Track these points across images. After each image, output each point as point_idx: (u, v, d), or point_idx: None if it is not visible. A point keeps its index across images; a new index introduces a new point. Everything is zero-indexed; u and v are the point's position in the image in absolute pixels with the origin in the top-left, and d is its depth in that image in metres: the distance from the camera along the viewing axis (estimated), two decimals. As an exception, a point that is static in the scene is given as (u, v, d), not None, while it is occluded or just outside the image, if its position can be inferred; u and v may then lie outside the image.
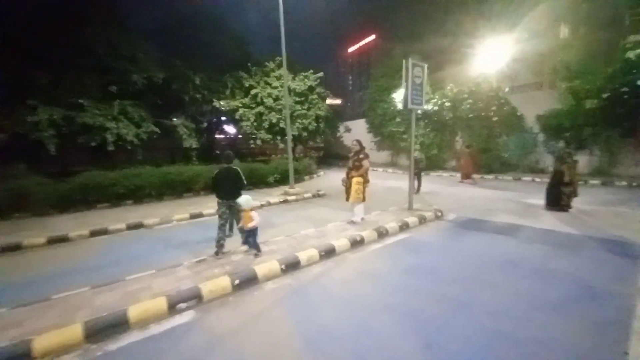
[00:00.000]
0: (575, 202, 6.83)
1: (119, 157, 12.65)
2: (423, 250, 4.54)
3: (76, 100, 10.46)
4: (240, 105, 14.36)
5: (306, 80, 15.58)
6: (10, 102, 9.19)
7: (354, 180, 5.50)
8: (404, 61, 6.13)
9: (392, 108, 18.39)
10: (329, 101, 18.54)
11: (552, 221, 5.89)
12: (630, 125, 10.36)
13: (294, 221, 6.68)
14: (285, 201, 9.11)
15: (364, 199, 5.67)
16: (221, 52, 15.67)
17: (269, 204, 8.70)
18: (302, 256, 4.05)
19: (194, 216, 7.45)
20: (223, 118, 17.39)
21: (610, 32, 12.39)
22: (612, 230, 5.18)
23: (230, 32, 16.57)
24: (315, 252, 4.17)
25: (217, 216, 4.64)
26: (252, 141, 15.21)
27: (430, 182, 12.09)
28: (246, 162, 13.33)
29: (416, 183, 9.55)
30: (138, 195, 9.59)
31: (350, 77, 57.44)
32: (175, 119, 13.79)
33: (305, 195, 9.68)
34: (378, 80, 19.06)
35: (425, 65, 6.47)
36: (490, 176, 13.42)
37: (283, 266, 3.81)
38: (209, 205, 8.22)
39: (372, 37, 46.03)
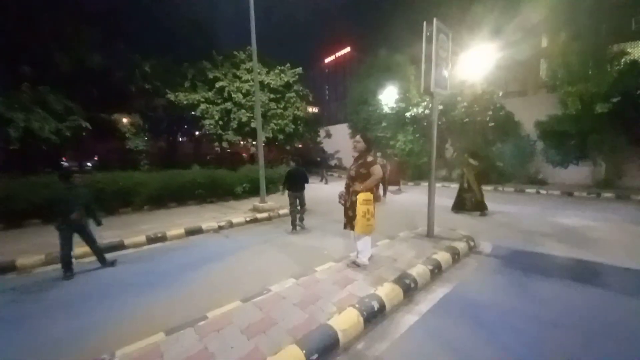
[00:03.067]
0: None
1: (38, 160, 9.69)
2: (494, 327, 2.54)
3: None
4: (202, 99, 11.84)
5: (282, 75, 13.53)
6: None
7: (360, 197, 3.43)
8: (424, 24, 4.28)
9: (377, 111, 16.79)
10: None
11: (616, 251, 4.22)
12: (639, 131, 9.38)
13: (262, 256, 4.45)
14: (254, 220, 6.84)
15: (371, 229, 3.62)
16: (181, 39, 13.13)
17: (230, 225, 6.36)
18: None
19: (155, 239, 4.91)
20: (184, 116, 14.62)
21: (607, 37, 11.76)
22: None
23: (192, 18, 14.11)
24: (301, 355, 2.00)
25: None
26: (217, 143, 12.68)
27: (420, 194, 10.35)
28: (208, 168, 10.87)
29: (382, 189, 8.17)
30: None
31: (327, 87, 56.69)
32: (117, 115, 10.97)
33: (281, 212, 7.46)
34: (362, 81, 17.44)
35: (450, 34, 4.66)
36: (489, 187, 12.05)
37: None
38: (167, 220, 5.78)
39: (348, 49, 45.77)
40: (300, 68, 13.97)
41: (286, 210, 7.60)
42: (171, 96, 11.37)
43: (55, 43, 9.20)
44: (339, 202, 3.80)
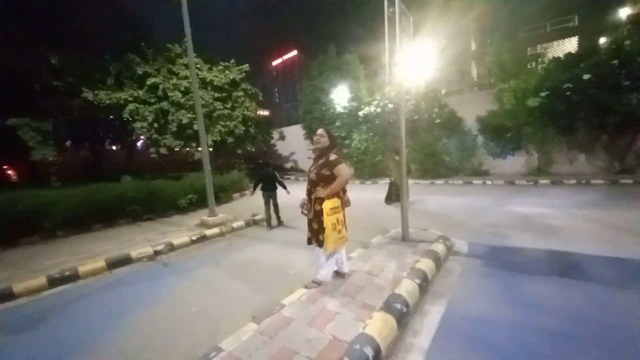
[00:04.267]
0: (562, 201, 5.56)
1: None
2: (507, 349, 2.07)
3: None
4: (129, 98, 10.04)
5: (227, 72, 12.31)
6: None
7: (326, 206, 2.75)
8: (385, 4, 3.82)
9: (331, 111, 16.50)
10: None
11: (581, 238, 4.29)
12: (566, 123, 10.48)
13: (212, 287, 3.52)
14: (202, 238, 5.74)
15: (344, 241, 3.00)
16: (101, 28, 11.06)
17: (171, 248, 5.20)
18: None
19: (61, 280, 3.52)
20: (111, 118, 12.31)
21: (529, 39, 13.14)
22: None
23: (117, 7, 12.07)
24: None
25: None
26: (153, 149, 10.90)
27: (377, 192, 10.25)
28: (143, 179, 9.23)
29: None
30: None
31: (277, 90, 55.71)
32: (14, 119, 8.61)
33: (235, 225, 6.46)
34: (314, 80, 16.99)
35: (411, 19, 4.29)
36: (440, 181, 12.50)
37: None
38: (82, 250, 4.36)
39: (294, 52, 45.75)
40: (247, 65, 12.91)
41: (241, 223, 6.65)
42: (89, 95, 9.35)
43: None
44: (301, 212, 3.11)
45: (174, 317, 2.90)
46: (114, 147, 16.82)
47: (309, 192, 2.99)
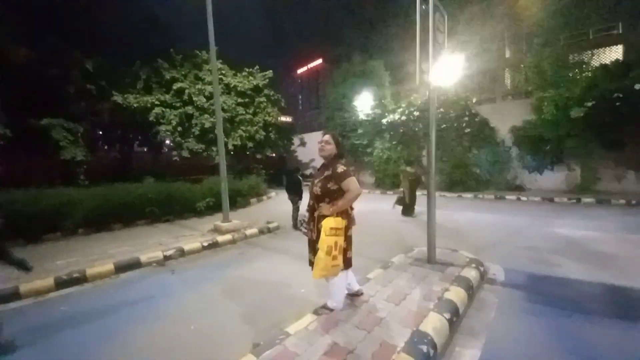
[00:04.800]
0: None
1: None
2: None
3: None
4: (156, 102, 10.33)
5: (251, 78, 12.42)
6: None
7: (326, 224, 2.33)
8: (417, 3, 3.47)
9: (353, 118, 16.17)
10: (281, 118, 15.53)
11: (636, 270, 3.59)
12: (614, 136, 9.43)
13: (212, 304, 3.24)
14: (214, 244, 5.55)
15: (348, 265, 2.59)
16: (134, 35, 11.56)
17: (181, 253, 5.05)
18: None
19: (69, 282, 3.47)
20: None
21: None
22: None
23: (147, 13, 12.62)
24: None
25: None
26: (175, 152, 11.12)
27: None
28: (165, 180, 9.34)
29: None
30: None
31: (301, 97, 56.37)
32: (47, 120, 9.07)
33: (248, 232, 6.24)
34: (337, 87, 16.78)
35: (446, 16, 3.90)
36: (469, 194, 11.68)
37: None
38: (94, 252, 4.56)
39: (319, 60, 46.00)
40: (271, 72, 12.96)
41: (255, 230, 6.42)
42: (118, 98, 9.74)
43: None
44: (302, 231, 2.75)
45: (170, 336, 2.64)
46: (144, 149, 17.49)
47: (312, 209, 2.59)
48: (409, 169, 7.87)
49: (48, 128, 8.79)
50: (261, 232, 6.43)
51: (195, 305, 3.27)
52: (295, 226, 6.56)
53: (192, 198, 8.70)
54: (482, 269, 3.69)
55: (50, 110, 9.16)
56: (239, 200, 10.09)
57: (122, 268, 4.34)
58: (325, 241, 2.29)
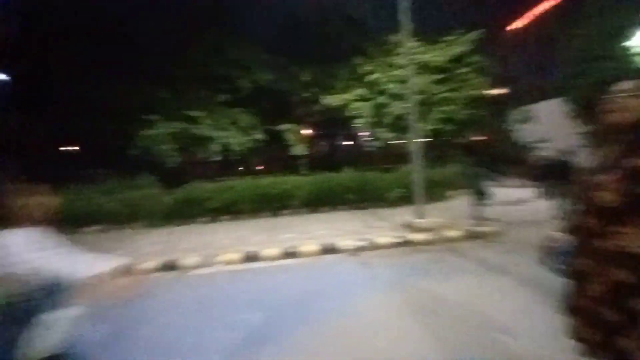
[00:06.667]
0: None
1: (230, 168, 12.41)
2: None
3: (192, 112, 10.32)
4: (350, 98, 11.08)
5: (449, 48, 10.50)
6: (131, 118, 9.76)
7: None
8: None
9: (624, 68, 10.01)
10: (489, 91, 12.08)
11: None
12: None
13: (395, 317, 2.45)
14: (405, 243, 4.79)
15: None
16: (331, 38, 13.12)
17: (373, 246, 4.71)
18: None
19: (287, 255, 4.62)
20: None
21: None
22: None
23: (339, 13, 13.86)
24: None
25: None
26: (369, 142, 11.56)
27: None
28: (360, 170, 9.82)
29: None
30: (232, 210, 8.06)
31: (516, 60, 43.97)
32: (283, 125, 12.16)
33: (449, 234, 4.98)
34: (588, 24, 11.02)
35: None
36: None
37: None
38: (308, 230, 5.73)
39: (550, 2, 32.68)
40: (477, 32, 10.34)
41: (459, 233, 5.05)
42: (326, 100, 11.34)
43: (240, 69, 11.28)
44: (550, 267, 1.29)
45: (341, 344, 2.15)
46: (345, 142, 20.18)
47: (586, 234, 1.12)
48: None
49: (283, 131, 11.77)
50: (468, 236, 4.95)
51: (373, 312, 2.80)
52: (544, 260, 4.26)
53: (383, 187, 8.57)
54: None
55: (282, 116, 12.27)
56: (435, 191, 8.86)
57: (324, 251, 4.64)
58: None
